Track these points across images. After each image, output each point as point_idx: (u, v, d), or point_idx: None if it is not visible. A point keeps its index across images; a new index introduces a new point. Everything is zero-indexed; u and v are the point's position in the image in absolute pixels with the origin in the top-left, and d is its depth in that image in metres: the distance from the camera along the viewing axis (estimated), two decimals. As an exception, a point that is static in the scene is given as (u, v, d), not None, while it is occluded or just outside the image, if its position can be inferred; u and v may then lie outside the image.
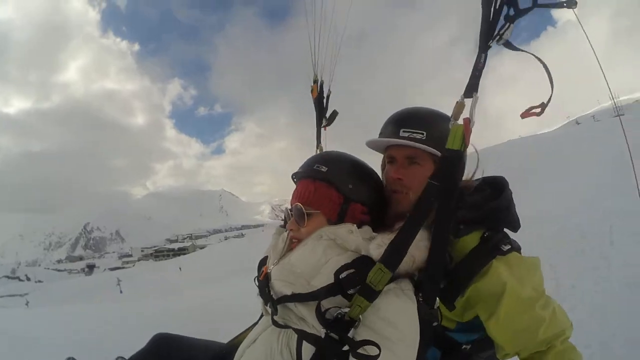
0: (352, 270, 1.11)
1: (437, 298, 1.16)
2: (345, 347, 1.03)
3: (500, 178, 1.44)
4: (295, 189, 1.36)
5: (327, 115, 2.05)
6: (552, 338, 1.17)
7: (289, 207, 1.37)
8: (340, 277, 1.10)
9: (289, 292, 1.18)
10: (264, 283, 1.31)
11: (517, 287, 1.19)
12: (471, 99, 1.07)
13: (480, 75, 1.07)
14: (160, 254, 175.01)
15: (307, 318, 1.14)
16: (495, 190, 1.39)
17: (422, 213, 1.10)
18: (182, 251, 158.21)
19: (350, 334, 1.04)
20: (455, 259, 1.25)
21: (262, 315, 1.53)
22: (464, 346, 1.32)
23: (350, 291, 1.08)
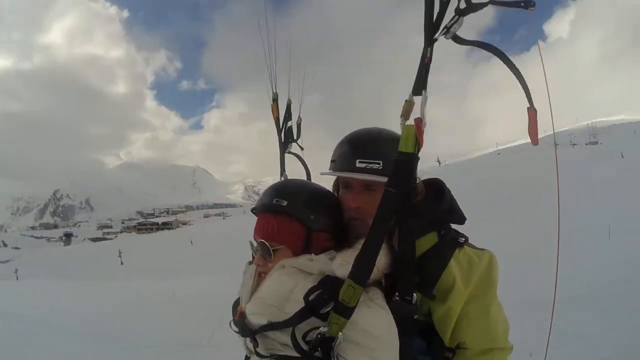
0: (319, 291, 1.11)
1: (415, 293, 1.19)
2: None
3: (438, 180, 1.49)
4: (257, 223, 1.34)
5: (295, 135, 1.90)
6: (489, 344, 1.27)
7: (254, 242, 1.35)
8: (310, 299, 1.11)
9: (264, 321, 1.19)
10: (240, 321, 1.30)
11: (461, 285, 1.26)
12: (420, 97, 1.05)
13: (428, 70, 1.04)
14: (143, 228, 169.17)
15: (289, 343, 1.12)
16: (436, 192, 1.44)
17: (384, 223, 1.11)
18: (166, 226, 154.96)
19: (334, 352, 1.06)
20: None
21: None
22: None
23: (323, 310, 1.09)
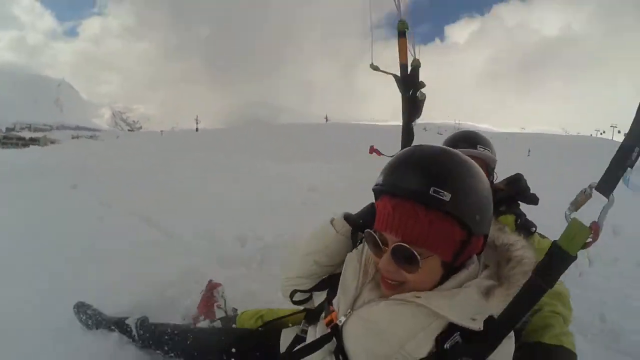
0: (457, 339, 0.86)
1: None
2: None
3: (517, 174, 1.79)
4: (391, 213, 0.91)
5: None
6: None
7: (375, 234, 0.95)
8: (445, 347, 0.86)
9: None
10: (328, 337, 1.03)
11: None
12: (606, 200, 0.81)
13: (623, 174, 0.79)
14: (9, 142, 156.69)
15: None
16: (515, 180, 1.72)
17: (521, 312, 0.84)
18: (33, 142, 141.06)
19: None
20: None
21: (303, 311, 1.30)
22: None
23: None
